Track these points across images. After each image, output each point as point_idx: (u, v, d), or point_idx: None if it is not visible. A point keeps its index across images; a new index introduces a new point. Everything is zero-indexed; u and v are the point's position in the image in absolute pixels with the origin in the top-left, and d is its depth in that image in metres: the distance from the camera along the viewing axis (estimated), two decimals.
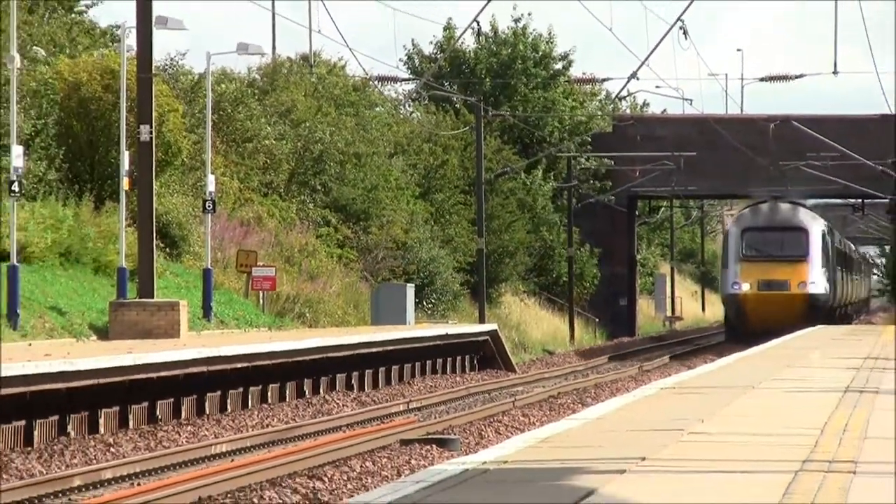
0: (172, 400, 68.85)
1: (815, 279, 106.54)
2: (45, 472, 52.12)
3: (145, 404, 66.57)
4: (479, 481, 23.56)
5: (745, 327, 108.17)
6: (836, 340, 74.29)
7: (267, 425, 68.03)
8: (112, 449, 58.61)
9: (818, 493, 20.92)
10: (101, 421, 62.35)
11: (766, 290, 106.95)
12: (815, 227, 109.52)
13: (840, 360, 55.54)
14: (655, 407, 35.80)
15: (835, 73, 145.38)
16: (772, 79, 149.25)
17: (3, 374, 56.79)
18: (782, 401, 38.44)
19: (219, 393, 71.33)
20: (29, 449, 57.17)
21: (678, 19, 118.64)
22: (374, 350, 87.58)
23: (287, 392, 78.38)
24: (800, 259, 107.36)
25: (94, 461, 55.24)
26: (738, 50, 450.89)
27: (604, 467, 24.18)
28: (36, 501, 46.96)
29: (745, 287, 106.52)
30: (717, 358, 77.61)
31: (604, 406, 36.43)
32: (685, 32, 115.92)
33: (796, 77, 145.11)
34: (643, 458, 25.55)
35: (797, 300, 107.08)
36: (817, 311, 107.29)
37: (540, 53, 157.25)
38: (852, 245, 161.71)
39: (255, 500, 46.75)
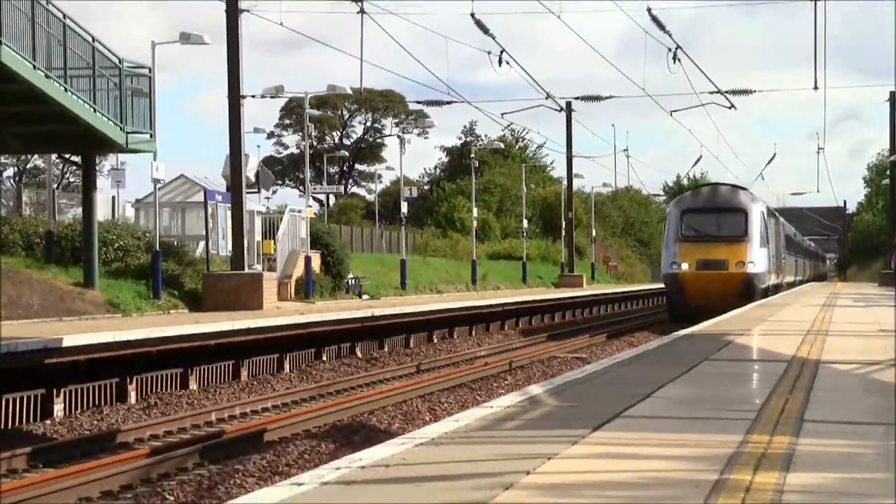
0: (581, 310, 64.91)
1: (753, 259, 59.70)
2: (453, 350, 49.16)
3: (567, 313, 62.70)
4: (687, 337, 23.88)
5: (684, 305, 59.05)
6: (817, 289, 72.07)
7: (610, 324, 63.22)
8: (532, 337, 52.25)
9: (815, 341, 21.24)
10: (548, 320, 59.76)
11: (705, 269, 59.00)
12: (755, 208, 62.07)
13: (820, 295, 54.38)
14: (753, 313, 35.24)
15: (818, 191, 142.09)
16: (794, 194, 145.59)
17: (519, 300, 55.71)
18: (800, 309, 37.97)
19: (591, 308, 70.54)
20: (468, 337, 50.00)
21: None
22: (650, 292, 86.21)
23: (615, 308, 75.37)
24: (738, 239, 59.93)
25: (562, 342, 48.75)
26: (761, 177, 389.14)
27: (735, 333, 24.41)
28: (457, 363, 42.03)
29: (685, 266, 59.00)
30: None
31: (733, 312, 35.91)
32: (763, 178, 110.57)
33: (802, 193, 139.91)
34: (750, 329, 25.77)
35: (735, 279, 59.43)
36: (755, 290, 60.39)
37: None
38: (799, 234, 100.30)
39: (554, 361, 37.22)
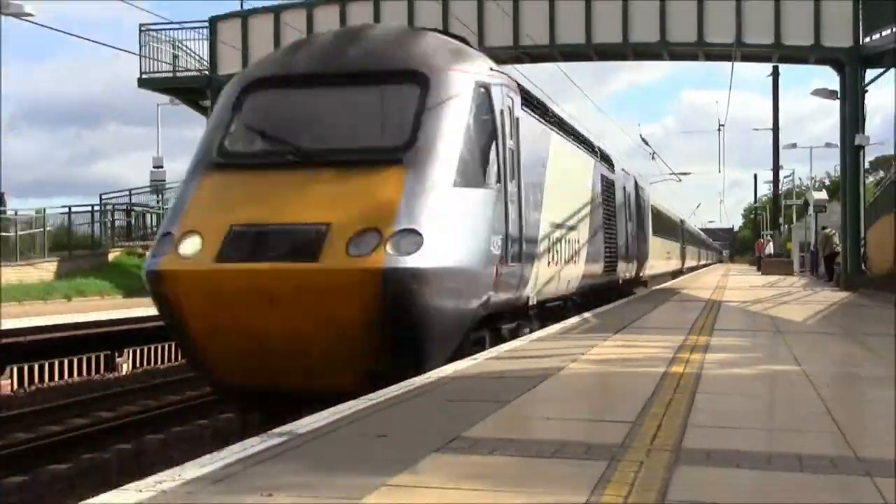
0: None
1: (428, 212, 2.43)
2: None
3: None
4: (656, 291, 22.35)
5: (199, 367, 2.48)
6: (719, 267, 66.43)
7: None
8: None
9: (719, 292, 20.16)
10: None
11: (249, 258, 2.15)
12: (454, 77, 2.46)
13: (722, 270, 49.93)
14: (686, 280, 32.40)
15: (721, 221, 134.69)
16: (709, 222, 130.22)
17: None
18: (713, 277, 34.64)
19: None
20: None
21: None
22: None
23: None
24: (386, 155, 2.40)
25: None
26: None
27: (680, 289, 22.89)
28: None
29: (189, 248, 2.09)
30: None
31: (678, 278, 32.16)
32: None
33: (713, 222, 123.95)
34: (687, 287, 24.03)
35: (344, 294, 2.46)
36: (434, 326, 2.79)
37: None
38: (691, 224, 37.20)
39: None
